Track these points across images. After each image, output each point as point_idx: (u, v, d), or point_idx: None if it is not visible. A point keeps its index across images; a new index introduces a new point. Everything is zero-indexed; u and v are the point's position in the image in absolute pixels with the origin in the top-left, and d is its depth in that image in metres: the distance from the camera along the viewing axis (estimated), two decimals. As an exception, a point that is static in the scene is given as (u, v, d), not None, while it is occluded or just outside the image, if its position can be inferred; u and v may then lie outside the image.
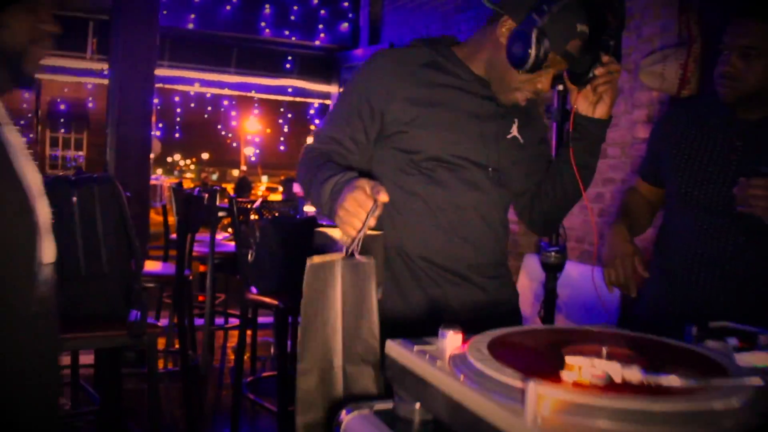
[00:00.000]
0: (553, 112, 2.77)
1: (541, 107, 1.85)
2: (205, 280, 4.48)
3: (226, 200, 4.58)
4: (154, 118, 5.64)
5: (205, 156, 33.92)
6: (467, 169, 1.61)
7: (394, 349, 0.94)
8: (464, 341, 0.93)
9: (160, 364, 4.64)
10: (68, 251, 2.38)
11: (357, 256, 1.26)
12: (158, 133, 7.06)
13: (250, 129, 19.10)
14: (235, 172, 29.42)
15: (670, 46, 2.92)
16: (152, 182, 4.89)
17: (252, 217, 3.70)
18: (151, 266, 3.74)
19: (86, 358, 3.55)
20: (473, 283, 1.63)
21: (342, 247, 1.29)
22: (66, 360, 3.46)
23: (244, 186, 19.31)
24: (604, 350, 0.82)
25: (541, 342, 0.91)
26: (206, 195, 3.81)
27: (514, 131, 1.68)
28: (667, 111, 2.15)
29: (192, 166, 37.47)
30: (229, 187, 22.65)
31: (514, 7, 1.52)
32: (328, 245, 1.38)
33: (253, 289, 3.20)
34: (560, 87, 2.76)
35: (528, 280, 3.83)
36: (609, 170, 3.47)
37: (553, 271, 2.81)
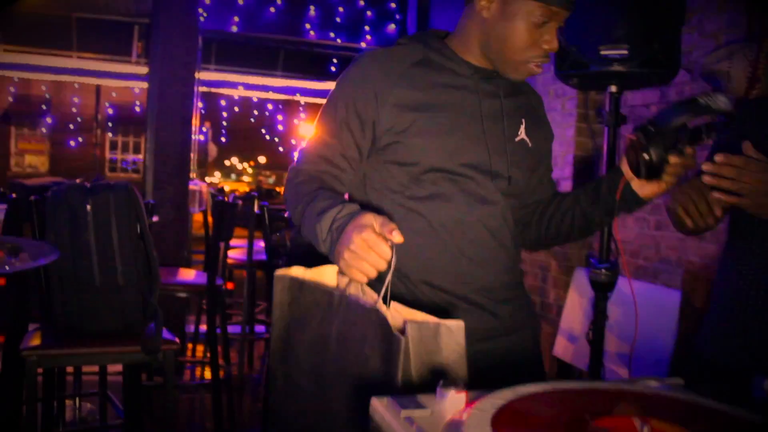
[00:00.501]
0: (605, 115, 2.53)
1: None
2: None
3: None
4: (197, 122, 5.57)
5: (262, 159, 34.28)
6: (473, 180, 1.43)
7: (379, 410, 0.75)
8: (468, 403, 0.74)
9: (197, 373, 4.56)
10: (82, 262, 2.26)
11: (382, 305, 1.09)
12: (202, 138, 7.02)
13: (302, 133, 19.26)
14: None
15: (737, 42, 2.65)
16: (191, 187, 4.80)
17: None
18: (185, 275, 3.63)
19: (115, 366, 3.47)
20: (483, 309, 1.43)
21: (365, 303, 1.11)
22: (94, 368, 3.38)
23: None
24: (646, 430, 0.61)
25: (564, 410, 0.71)
26: (240, 201, 3.69)
27: (522, 133, 1.50)
28: None
29: (249, 170, 37.95)
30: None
31: None
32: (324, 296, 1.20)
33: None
34: (613, 88, 2.55)
35: (578, 296, 3.58)
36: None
37: (603, 290, 2.57)
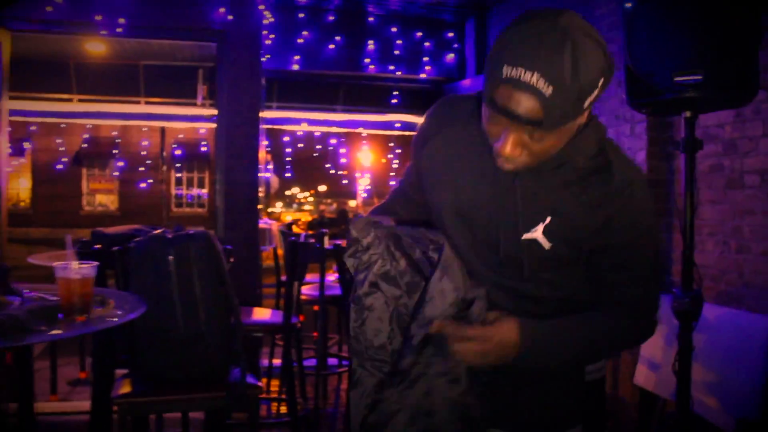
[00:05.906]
0: (681, 142, 2.47)
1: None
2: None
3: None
4: (265, 157, 5.67)
5: (322, 188, 34.72)
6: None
7: None
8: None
9: (273, 408, 4.59)
10: (166, 312, 2.32)
11: None
12: (268, 175, 7.15)
13: (363, 164, 19.48)
14: (353, 203, 30.02)
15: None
16: (261, 226, 4.88)
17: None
18: (259, 314, 3.69)
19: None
20: None
21: None
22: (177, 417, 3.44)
23: (342, 218, 19.77)
24: None
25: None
26: (312, 240, 3.73)
27: (539, 232, 1.29)
28: None
29: (310, 199, 38.50)
30: (341, 220, 23.23)
31: None
32: None
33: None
34: (688, 113, 2.49)
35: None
36: (746, 201, 3.09)
37: (688, 319, 2.49)
